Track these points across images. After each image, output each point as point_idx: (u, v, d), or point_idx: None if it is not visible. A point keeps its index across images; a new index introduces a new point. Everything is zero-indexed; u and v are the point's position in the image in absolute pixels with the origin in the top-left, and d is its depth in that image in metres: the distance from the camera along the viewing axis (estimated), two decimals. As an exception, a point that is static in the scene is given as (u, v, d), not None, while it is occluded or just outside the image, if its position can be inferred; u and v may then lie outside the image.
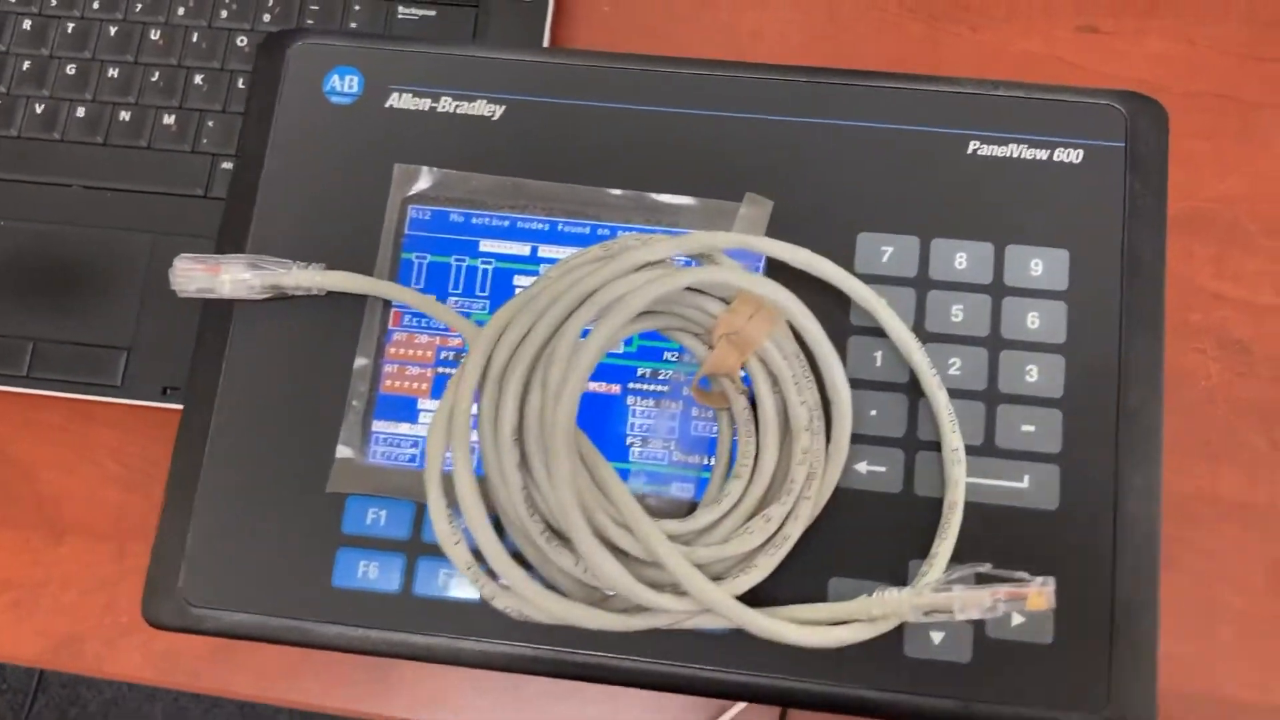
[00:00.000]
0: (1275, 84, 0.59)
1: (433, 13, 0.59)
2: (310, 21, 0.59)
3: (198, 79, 0.59)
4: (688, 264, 0.40)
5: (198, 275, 0.41)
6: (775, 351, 0.38)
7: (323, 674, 0.52)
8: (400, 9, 0.59)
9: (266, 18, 0.59)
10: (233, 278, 0.41)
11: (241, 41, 0.59)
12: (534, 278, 0.42)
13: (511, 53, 0.44)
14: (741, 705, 0.50)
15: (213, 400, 0.42)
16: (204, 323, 0.43)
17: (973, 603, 0.35)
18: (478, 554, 0.37)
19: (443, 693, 0.51)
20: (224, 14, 0.60)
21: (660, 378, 0.42)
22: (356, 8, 0.59)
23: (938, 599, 0.35)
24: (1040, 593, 0.34)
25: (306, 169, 0.44)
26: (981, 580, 0.36)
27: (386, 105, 0.44)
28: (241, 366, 0.42)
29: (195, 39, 0.60)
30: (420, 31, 0.59)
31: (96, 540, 0.55)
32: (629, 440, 0.41)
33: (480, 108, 0.44)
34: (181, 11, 0.60)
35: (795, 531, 0.37)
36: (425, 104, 0.44)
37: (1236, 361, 0.55)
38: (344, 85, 0.44)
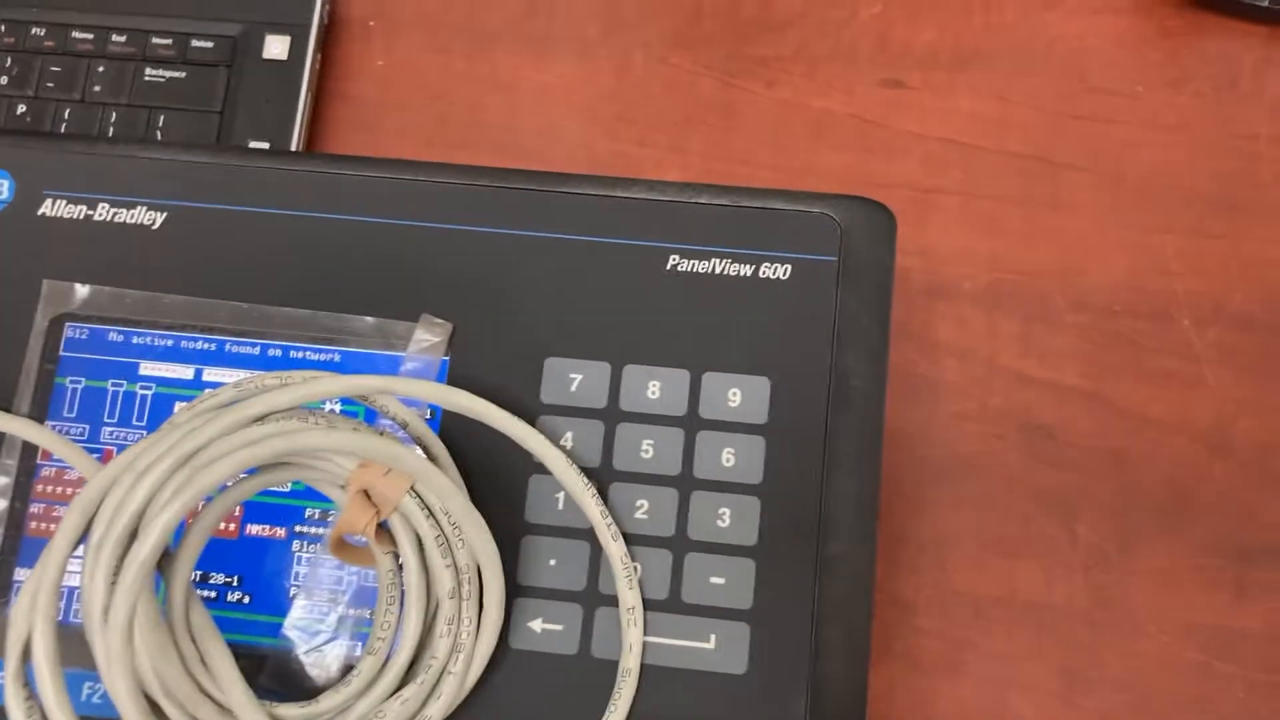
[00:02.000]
0: (1085, 144, 0.55)
1: (182, 74, 0.55)
2: (50, 85, 0.54)
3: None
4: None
5: None
6: (417, 510, 0.34)
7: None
8: (148, 71, 0.55)
9: (3, 79, 0.55)
10: None
11: (-23, 104, 0.55)
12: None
13: (175, 153, 0.40)
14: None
15: None
16: None
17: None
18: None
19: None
20: (-38, 74, 0.55)
21: (330, 520, 0.38)
22: (100, 69, 0.55)
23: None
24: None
25: (-50, 285, 0.40)
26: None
27: (39, 213, 0.40)
28: None
29: (-73, 104, 0.55)
30: (169, 96, 0.54)
31: None
32: (291, 591, 0.37)
33: (140, 215, 0.39)
34: (-85, 73, 0.56)
35: (437, 713, 0.33)
36: (80, 211, 0.40)
37: (1039, 448, 0.51)
38: (-6, 189, 0.40)
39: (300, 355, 0.39)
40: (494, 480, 0.37)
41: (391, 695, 0.34)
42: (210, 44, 0.55)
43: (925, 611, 0.49)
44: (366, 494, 0.34)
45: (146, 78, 0.55)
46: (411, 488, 0.34)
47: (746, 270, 0.38)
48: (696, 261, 0.38)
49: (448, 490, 0.33)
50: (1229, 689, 0.48)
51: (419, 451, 0.35)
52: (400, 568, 0.35)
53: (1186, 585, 0.49)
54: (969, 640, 0.49)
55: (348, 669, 0.36)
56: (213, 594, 0.37)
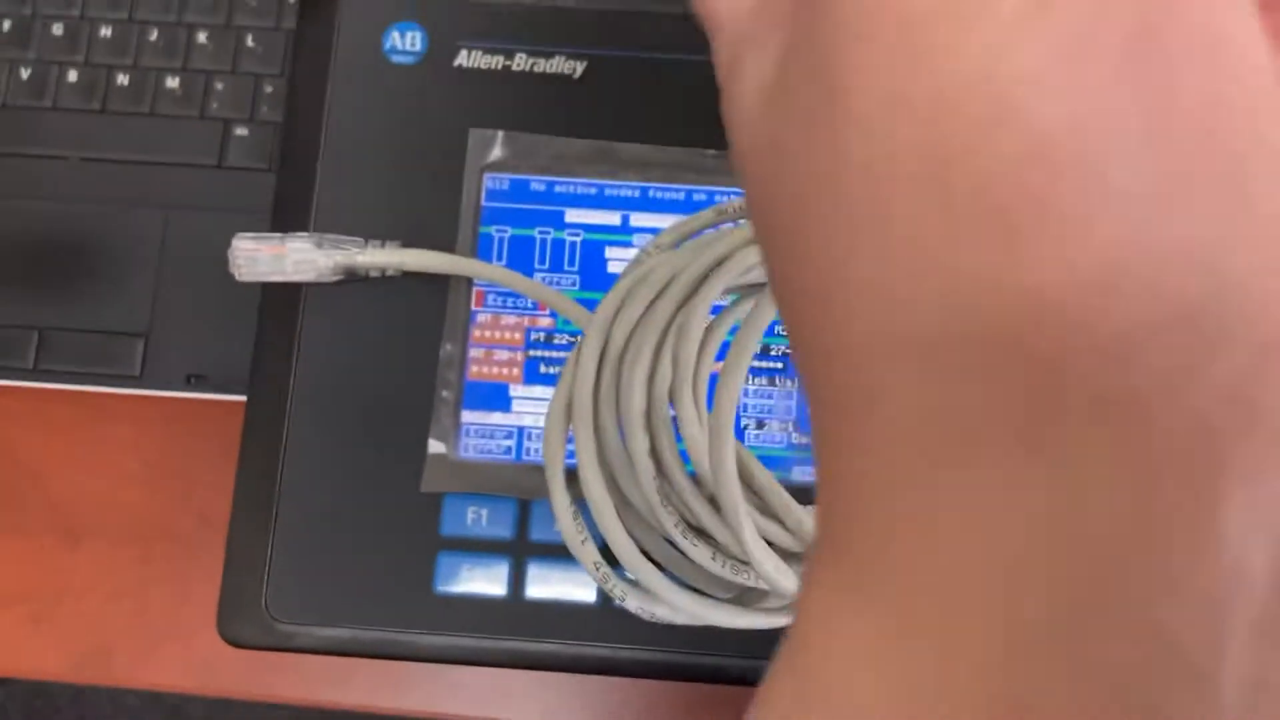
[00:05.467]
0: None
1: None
2: (323, -26, 0.54)
3: (201, 37, 0.54)
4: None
5: (262, 256, 0.37)
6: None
7: (380, 673, 0.49)
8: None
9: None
10: (300, 259, 0.37)
11: (248, -5, 0.55)
12: (628, 249, 0.39)
13: (591, 2, 0.41)
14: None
15: (286, 393, 0.38)
16: (268, 309, 0.39)
17: None
18: (603, 552, 0.34)
19: (504, 687, 0.48)
20: (227, -35, 0.55)
21: (773, 354, 0.39)
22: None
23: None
24: None
25: (371, 137, 0.40)
26: None
27: (455, 64, 0.40)
28: (315, 356, 0.38)
29: (196, -7, 0.55)
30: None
31: (117, 544, 0.50)
32: (744, 422, 0.38)
33: (559, 65, 0.40)
34: (178, -37, 0.55)
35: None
36: (498, 62, 0.40)
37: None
38: (405, 43, 0.40)
39: (726, 200, 0.40)
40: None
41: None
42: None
43: None
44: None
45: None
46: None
47: None
48: None
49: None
50: None
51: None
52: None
53: None
54: None
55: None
56: (665, 427, 0.38)
